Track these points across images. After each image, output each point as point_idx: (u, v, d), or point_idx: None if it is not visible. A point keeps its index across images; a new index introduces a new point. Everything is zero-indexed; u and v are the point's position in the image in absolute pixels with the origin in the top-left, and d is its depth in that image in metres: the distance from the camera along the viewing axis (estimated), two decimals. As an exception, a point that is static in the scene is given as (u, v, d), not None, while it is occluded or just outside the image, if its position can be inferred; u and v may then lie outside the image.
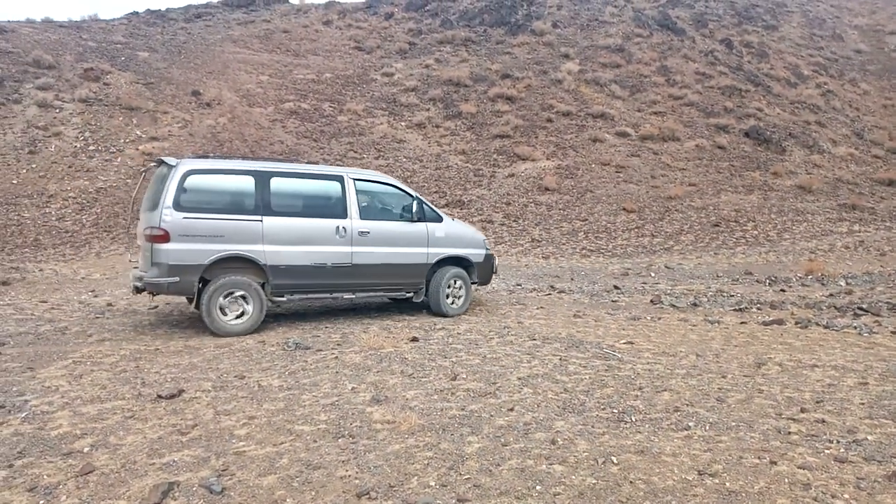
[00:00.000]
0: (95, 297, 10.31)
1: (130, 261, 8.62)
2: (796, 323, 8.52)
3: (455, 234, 9.21)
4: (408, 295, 8.91)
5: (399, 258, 8.55)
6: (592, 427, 4.23)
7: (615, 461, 3.65)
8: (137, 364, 5.83)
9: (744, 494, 3.24)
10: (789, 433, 4.13)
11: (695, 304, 10.15)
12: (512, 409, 4.57)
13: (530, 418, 4.39)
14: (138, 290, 7.43)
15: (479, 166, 24.73)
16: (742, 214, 21.87)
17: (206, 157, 7.87)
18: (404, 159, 24.22)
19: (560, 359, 6.19)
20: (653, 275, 14.89)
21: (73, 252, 15.85)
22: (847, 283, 12.46)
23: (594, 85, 31.99)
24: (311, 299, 8.29)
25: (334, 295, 8.20)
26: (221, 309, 7.24)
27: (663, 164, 25.56)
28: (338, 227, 8.02)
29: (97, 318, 8.35)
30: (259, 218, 7.47)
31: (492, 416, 4.45)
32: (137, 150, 21.15)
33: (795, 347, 7.03)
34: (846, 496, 3.23)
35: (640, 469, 3.55)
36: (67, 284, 12.00)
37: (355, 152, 24.07)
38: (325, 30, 39.05)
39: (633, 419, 4.39)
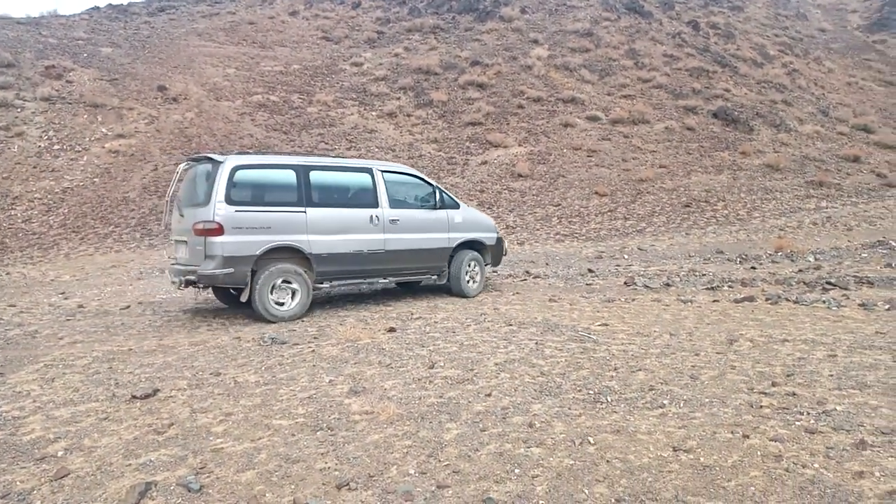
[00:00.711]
0: (66, 299, 10.12)
1: (169, 257, 8.72)
2: (767, 299, 8.67)
3: (471, 219, 9.87)
4: (433, 278, 9.43)
5: (425, 243, 9.11)
6: (569, 409, 4.28)
7: (592, 441, 3.69)
8: (111, 365, 5.74)
9: (718, 468, 3.31)
10: (761, 407, 4.22)
11: (668, 285, 10.28)
12: (489, 395, 4.60)
13: (508, 403, 4.42)
14: (188, 284, 7.58)
15: (452, 154, 24.69)
16: (712, 194, 22.15)
17: (247, 153, 8.20)
18: (376, 149, 24.08)
19: (536, 343, 6.24)
20: (626, 257, 15.04)
21: (40, 254, 15.52)
22: (815, 259, 12.71)
23: (564, 70, 32.07)
24: (348, 284, 8.66)
25: (369, 280, 8.69)
26: (271, 295, 7.63)
27: (634, 147, 25.76)
28: (371, 216, 8.52)
29: (68, 320, 8.21)
30: (303, 209, 7.93)
31: (470, 402, 4.47)
32: (103, 148, 20.74)
33: (766, 323, 7.16)
34: (816, 465, 3.30)
35: (617, 448, 3.60)
36: (36, 287, 11.76)
37: (326, 143, 23.87)
38: (291, 21, 38.59)
39: (609, 399, 4.45)
